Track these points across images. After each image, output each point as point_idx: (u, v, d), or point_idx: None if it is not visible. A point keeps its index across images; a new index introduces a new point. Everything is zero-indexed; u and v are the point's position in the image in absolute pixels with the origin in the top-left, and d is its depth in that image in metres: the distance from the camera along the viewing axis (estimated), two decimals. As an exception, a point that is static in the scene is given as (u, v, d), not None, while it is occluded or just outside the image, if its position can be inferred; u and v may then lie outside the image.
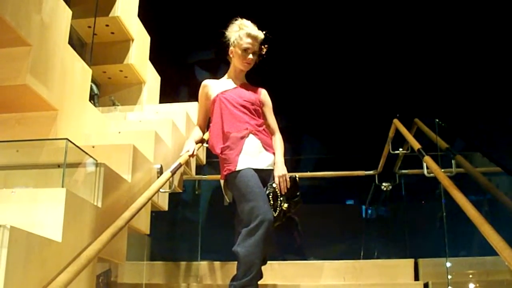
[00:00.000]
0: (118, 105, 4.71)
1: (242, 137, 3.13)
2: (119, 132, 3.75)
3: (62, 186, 2.45)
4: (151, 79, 5.19)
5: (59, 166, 2.58)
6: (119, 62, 4.76)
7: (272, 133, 3.35)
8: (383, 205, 5.95)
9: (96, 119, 3.91)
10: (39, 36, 3.14)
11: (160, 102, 5.29)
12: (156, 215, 3.94)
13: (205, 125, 3.56)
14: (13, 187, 2.51)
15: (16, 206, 2.35)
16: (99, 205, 2.75)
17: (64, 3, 3.52)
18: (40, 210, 2.34)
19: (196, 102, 3.52)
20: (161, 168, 3.50)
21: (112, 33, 4.68)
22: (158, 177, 3.33)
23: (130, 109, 4.73)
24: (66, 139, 2.59)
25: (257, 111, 3.30)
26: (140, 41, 4.95)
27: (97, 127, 3.90)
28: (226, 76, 3.46)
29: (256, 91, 3.41)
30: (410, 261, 4.23)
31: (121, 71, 4.83)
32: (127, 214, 2.58)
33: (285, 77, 8.27)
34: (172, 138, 4.01)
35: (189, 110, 4.58)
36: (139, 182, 3.29)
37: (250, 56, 3.30)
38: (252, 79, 3.49)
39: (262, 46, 3.35)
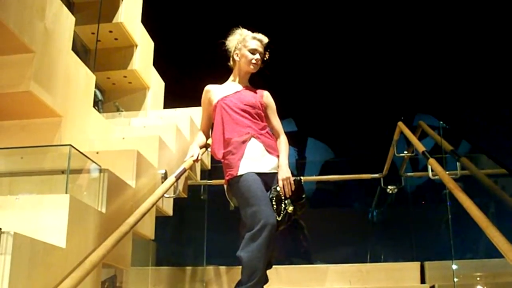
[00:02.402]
0: (122, 111, 4.72)
1: (244, 142, 3.11)
2: (123, 138, 3.75)
3: (66, 192, 2.45)
4: (155, 85, 5.20)
5: (63, 172, 2.59)
6: (123, 68, 4.76)
7: (276, 136, 3.31)
8: (388, 208, 5.93)
9: (100, 125, 3.92)
10: (42, 43, 3.15)
11: (164, 107, 5.29)
12: (161, 220, 3.93)
13: (209, 130, 3.54)
14: (17, 194, 2.51)
15: (20, 213, 2.36)
16: (103, 210, 2.75)
17: (67, 10, 3.53)
18: (44, 216, 2.34)
19: (200, 107, 3.52)
20: (166, 173, 3.49)
21: (116, 39, 4.69)
22: (162, 182, 3.32)
23: (134, 115, 4.74)
24: (70, 145, 2.60)
25: (259, 115, 3.26)
26: (144, 47, 4.96)
27: (101, 133, 3.91)
28: (230, 79, 3.44)
29: (258, 94, 3.37)
30: (417, 264, 4.22)
31: (125, 77, 4.84)
32: (131, 220, 2.58)
33: (290, 81, 8.28)
34: (176, 143, 4.01)
35: (193, 115, 4.58)
36: (144, 188, 3.28)
37: (258, 55, 3.29)
38: (257, 85, 3.47)
39: (265, 52, 3.35)
